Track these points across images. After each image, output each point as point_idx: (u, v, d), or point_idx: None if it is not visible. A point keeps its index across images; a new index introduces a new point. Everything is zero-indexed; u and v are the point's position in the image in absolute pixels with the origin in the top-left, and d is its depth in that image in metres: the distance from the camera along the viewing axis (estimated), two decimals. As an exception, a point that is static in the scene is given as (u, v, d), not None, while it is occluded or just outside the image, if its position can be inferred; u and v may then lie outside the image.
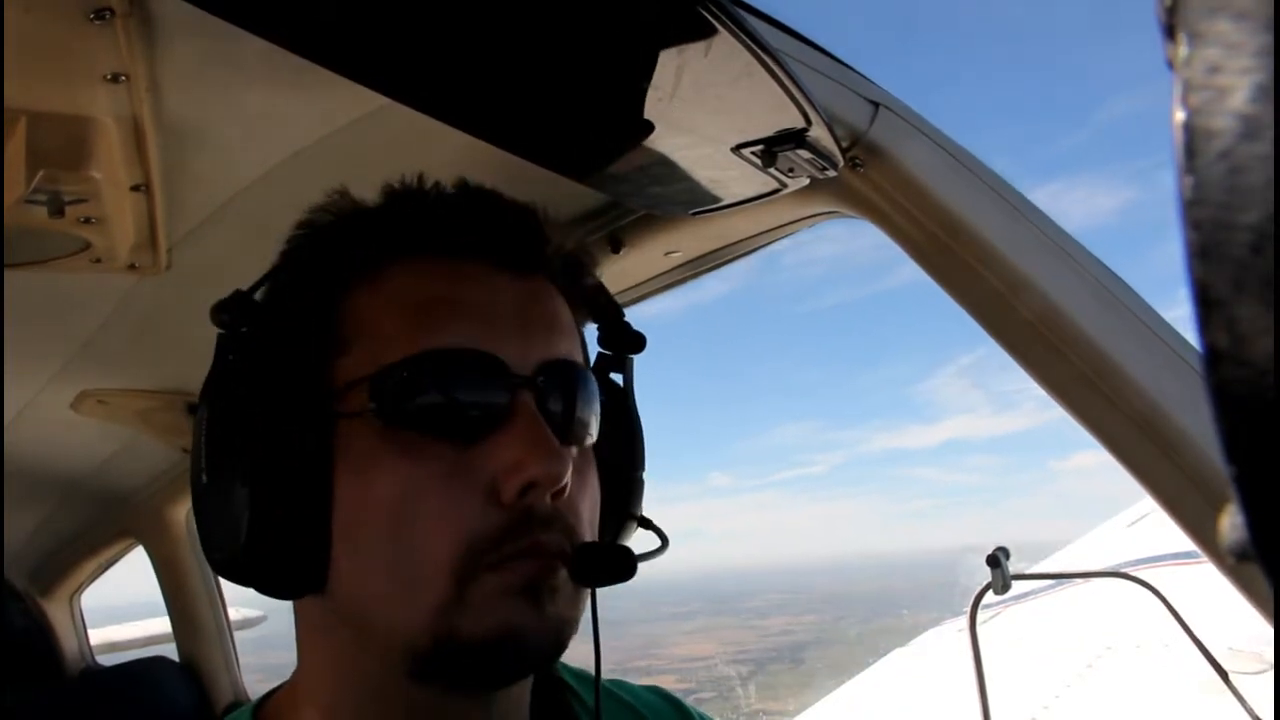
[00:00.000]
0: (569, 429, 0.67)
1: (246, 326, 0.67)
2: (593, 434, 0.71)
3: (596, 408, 0.71)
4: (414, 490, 0.61)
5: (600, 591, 0.70)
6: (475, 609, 0.61)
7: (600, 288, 0.79)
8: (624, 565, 0.67)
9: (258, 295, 0.70)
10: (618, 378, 0.82)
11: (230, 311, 0.67)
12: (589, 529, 0.68)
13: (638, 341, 0.82)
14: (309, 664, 0.71)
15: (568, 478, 0.63)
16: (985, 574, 1.77)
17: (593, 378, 0.71)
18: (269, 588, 0.65)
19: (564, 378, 0.67)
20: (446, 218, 0.69)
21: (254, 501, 0.61)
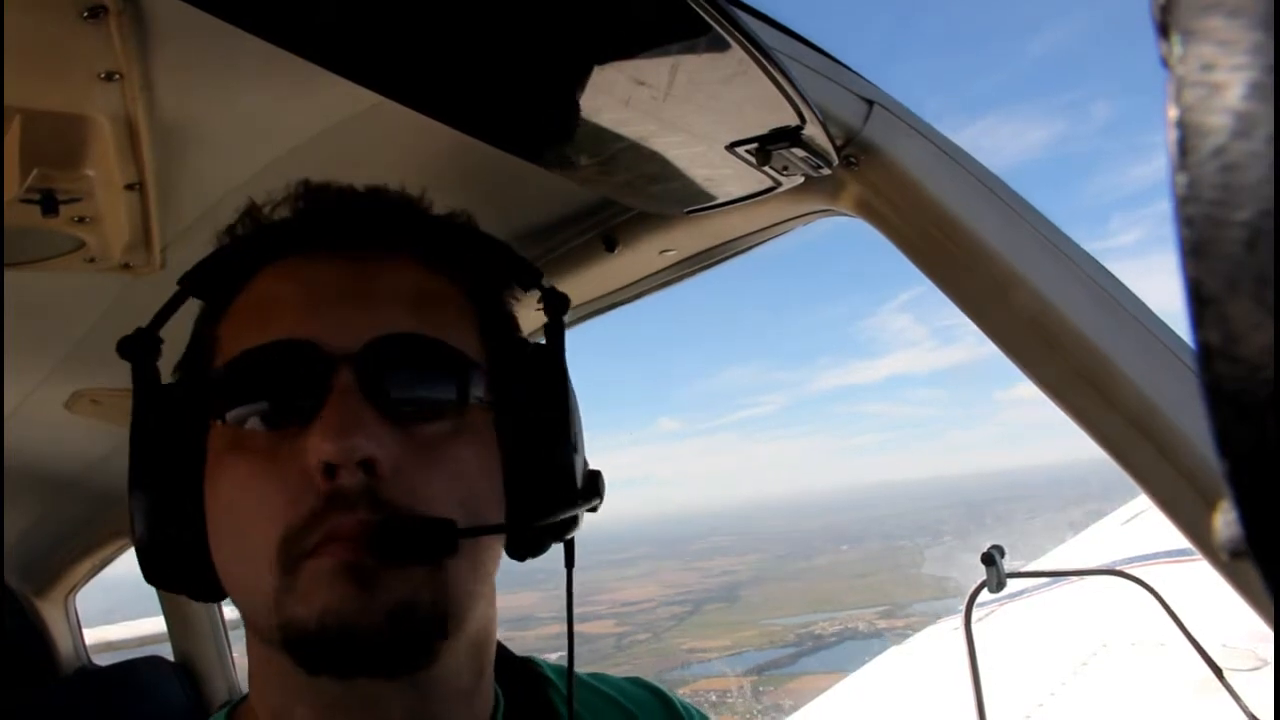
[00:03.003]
0: (399, 404, 0.64)
1: (145, 359, 0.73)
2: (441, 407, 0.67)
3: (444, 379, 0.67)
4: (241, 485, 0.65)
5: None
6: (301, 596, 0.61)
7: (496, 244, 0.76)
8: (435, 539, 0.62)
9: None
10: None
11: (131, 346, 0.74)
12: (439, 505, 0.63)
13: (556, 301, 0.78)
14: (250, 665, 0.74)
15: (371, 451, 0.60)
16: (980, 572, 1.77)
17: (445, 348, 0.68)
18: (183, 591, 0.71)
19: (392, 352, 0.65)
20: (278, 223, 0.73)
21: (151, 511, 0.69)
